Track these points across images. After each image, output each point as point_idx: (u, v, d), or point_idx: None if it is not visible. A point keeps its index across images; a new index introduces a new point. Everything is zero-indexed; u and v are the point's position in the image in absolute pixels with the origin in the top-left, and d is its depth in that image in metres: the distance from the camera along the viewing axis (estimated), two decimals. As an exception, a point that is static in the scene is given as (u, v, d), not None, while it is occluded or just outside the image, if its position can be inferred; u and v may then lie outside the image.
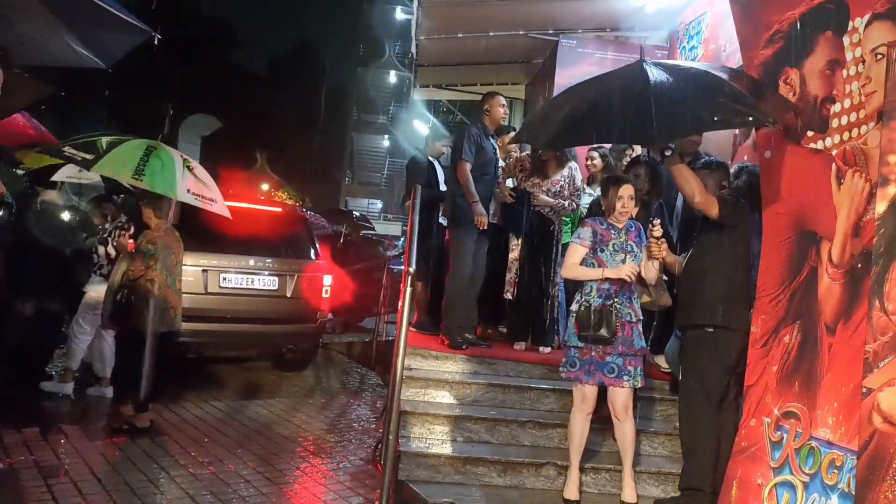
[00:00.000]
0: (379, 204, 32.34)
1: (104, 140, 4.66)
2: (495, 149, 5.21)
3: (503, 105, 5.23)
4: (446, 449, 4.06)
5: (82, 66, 3.07)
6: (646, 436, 4.28)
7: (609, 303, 3.62)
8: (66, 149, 4.63)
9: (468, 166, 4.92)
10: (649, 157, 4.51)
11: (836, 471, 2.85)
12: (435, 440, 4.17)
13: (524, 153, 5.54)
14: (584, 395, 3.71)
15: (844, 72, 3.07)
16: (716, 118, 3.23)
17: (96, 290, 5.34)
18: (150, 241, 4.71)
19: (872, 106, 2.90)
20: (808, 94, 3.27)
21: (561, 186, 5.11)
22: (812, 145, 3.24)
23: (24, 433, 4.39)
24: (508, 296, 5.30)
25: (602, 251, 3.71)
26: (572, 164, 5.20)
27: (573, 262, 3.74)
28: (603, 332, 3.56)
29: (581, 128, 3.49)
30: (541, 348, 5.12)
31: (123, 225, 5.35)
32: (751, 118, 3.21)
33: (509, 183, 5.38)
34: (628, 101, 3.27)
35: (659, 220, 3.64)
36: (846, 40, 3.06)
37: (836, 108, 3.11)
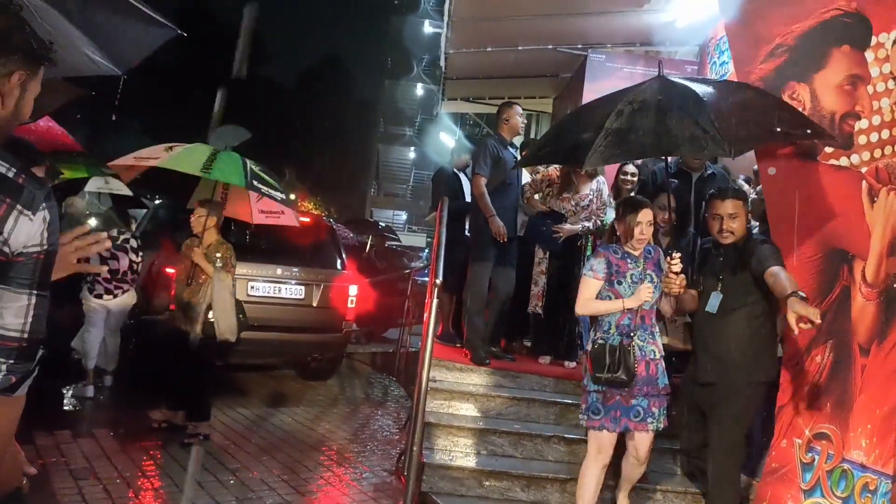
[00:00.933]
0: (404, 215, 32.49)
1: (256, 169, 4.83)
2: (517, 159, 5.20)
3: (521, 115, 5.24)
4: (470, 462, 4.06)
5: (97, 73, 2.99)
6: (671, 454, 4.23)
7: (628, 341, 3.28)
8: (262, 189, 4.72)
9: (483, 180, 4.94)
10: (667, 183, 4.43)
11: (869, 495, 2.79)
12: (459, 453, 4.16)
13: (551, 167, 5.51)
14: (602, 445, 3.37)
15: (870, 88, 3.02)
16: (778, 129, 3.05)
17: (86, 298, 5.64)
18: (232, 254, 4.90)
19: (909, 124, 2.86)
20: (822, 109, 3.21)
21: (590, 200, 5.07)
22: (833, 161, 3.18)
23: (55, 435, 4.48)
24: (538, 310, 5.24)
25: (619, 283, 3.34)
26: (600, 178, 5.17)
27: (587, 297, 3.38)
28: (621, 374, 3.20)
29: (626, 142, 3.15)
30: (566, 363, 5.09)
31: (128, 241, 5.78)
32: (809, 131, 3.05)
33: (537, 197, 5.36)
34: (684, 112, 2.99)
35: (679, 255, 3.28)
36: (870, 55, 3.01)
37: (863, 124, 3.06)
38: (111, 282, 5.62)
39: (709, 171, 4.89)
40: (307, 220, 7.20)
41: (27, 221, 1.36)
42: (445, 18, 7.28)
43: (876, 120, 3.00)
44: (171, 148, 4.63)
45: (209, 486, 4.00)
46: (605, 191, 5.19)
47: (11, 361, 1.35)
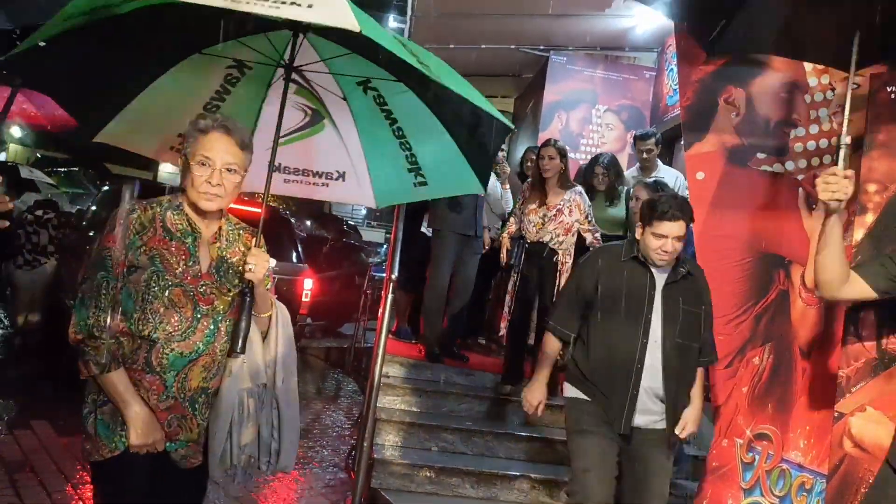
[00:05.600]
0: (363, 210, 32.24)
1: None
2: None
3: None
4: (421, 458, 4.04)
5: None
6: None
7: None
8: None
9: None
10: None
11: (805, 494, 2.88)
12: (409, 449, 4.15)
13: (526, 183, 5.13)
14: None
15: (808, 97, 3.10)
16: None
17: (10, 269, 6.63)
18: None
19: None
20: (756, 115, 3.26)
21: (558, 210, 4.50)
22: (766, 168, 3.24)
23: (-10, 427, 4.32)
24: (502, 331, 4.79)
25: None
26: (578, 187, 4.65)
27: None
28: None
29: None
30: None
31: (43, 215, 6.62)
32: None
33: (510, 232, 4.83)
34: None
35: None
36: (808, 65, 3.09)
37: (799, 132, 3.13)
38: (31, 253, 6.54)
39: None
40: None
41: None
42: (409, 14, 7.24)
43: (813, 129, 3.09)
44: None
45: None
46: (586, 202, 4.58)
47: None
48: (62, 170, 15.02)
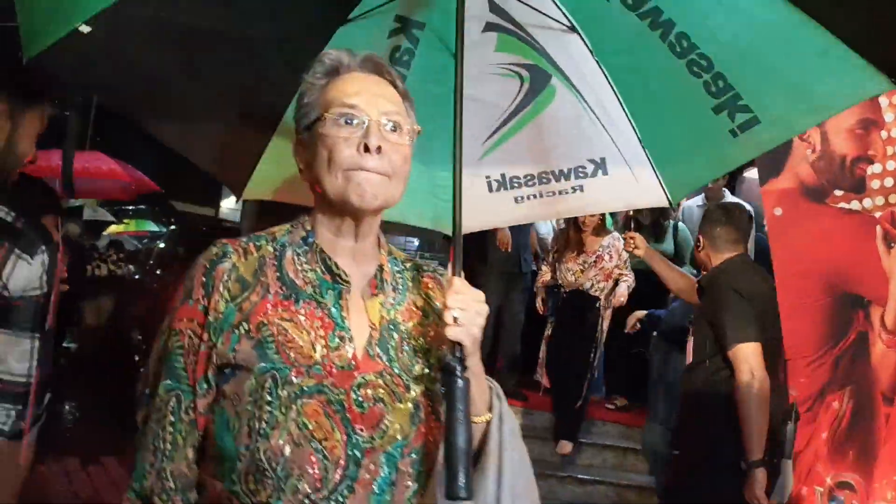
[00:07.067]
0: (416, 242, 32.49)
1: None
2: None
3: None
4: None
5: None
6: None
7: None
8: None
9: None
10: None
11: (894, 549, 2.72)
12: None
13: (556, 231, 5.16)
14: None
15: (884, 133, 3.05)
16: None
17: None
18: None
19: (925, 170, 2.86)
20: (832, 152, 3.23)
21: (598, 257, 4.52)
22: (843, 205, 3.18)
23: (64, 462, 4.45)
24: (538, 378, 4.81)
25: None
26: (615, 233, 4.68)
27: None
28: None
29: None
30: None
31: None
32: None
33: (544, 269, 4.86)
34: None
35: None
36: (884, 101, 3.04)
37: (876, 168, 3.08)
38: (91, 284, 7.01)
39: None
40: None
41: (26, 265, 1.38)
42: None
43: (890, 165, 3.02)
44: None
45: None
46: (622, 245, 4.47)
47: (20, 407, 1.35)
48: (130, 208, 15.71)
